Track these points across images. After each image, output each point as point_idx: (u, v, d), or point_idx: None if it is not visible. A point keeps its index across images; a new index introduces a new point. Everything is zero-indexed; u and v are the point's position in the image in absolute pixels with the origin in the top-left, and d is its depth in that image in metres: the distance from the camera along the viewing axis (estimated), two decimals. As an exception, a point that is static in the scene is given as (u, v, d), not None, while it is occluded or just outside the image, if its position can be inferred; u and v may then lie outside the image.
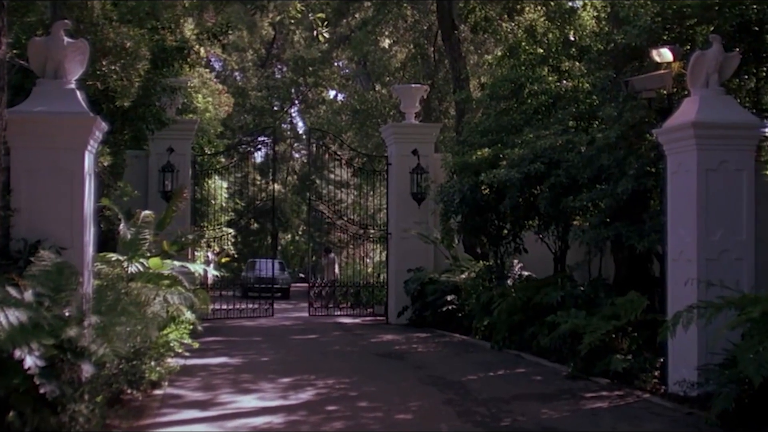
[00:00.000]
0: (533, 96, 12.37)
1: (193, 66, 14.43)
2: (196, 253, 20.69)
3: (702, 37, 8.60)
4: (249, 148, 42.92)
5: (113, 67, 8.23)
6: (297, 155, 37.00)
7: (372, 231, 18.25)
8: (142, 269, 10.08)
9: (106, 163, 10.53)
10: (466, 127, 13.76)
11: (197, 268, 10.73)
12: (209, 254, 24.28)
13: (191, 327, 10.22)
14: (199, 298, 11.06)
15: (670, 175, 8.31)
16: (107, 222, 11.82)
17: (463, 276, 15.05)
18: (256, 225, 49.61)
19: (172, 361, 9.96)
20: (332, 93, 35.10)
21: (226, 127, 36.72)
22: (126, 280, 8.89)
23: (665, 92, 8.58)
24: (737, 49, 8.41)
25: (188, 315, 9.47)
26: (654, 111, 8.75)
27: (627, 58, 9.51)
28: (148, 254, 10.26)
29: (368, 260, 20.95)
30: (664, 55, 8.33)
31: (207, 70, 22.07)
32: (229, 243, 40.39)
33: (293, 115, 43.37)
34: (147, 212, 10.56)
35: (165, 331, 9.77)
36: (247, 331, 15.14)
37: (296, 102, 41.25)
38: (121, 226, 10.36)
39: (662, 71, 8.42)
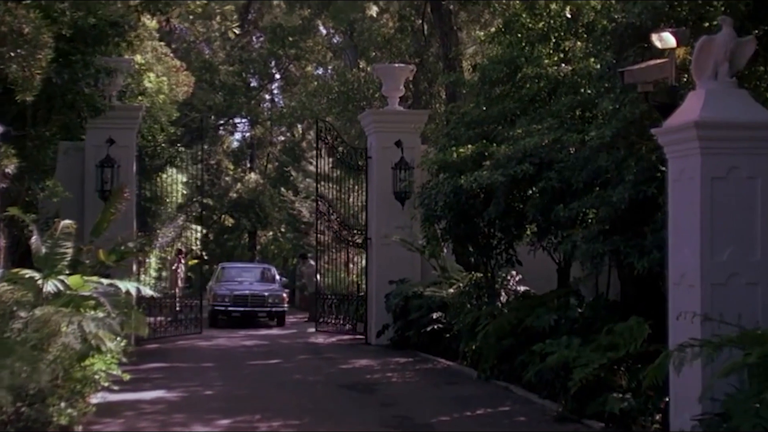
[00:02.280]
0: (530, 81, 12.20)
1: (131, 43, 14.29)
2: (149, 261, 20.66)
3: (715, 17, 8.43)
4: (220, 133, 42.66)
5: (10, 55, 8.04)
6: (281, 139, 36.83)
7: (353, 235, 18.10)
8: (61, 288, 9.98)
9: (10, 167, 10.38)
10: (451, 117, 13.61)
11: (128, 286, 10.60)
12: (173, 257, 24.03)
13: (119, 355, 10.12)
14: (133, 320, 10.95)
15: (671, 183, 8.13)
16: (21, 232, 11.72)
17: (453, 290, 14.94)
18: (230, 221, 50.25)
19: (96, 397, 9.87)
20: (317, 69, 34.99)
21: (192, 109, 36.66)
22: (32, 305, 8.75)
23: (670, 82, 8.40)
24: (756, 32, 8.24)
25: (110, 345, 9.34)
26: (654, 107, 8.58)
27: (629, 41, 9.34)
28: (68, 271, 10.15)
29: (352, 266, 20.88)
30: (666, 39, 8.15)
31: (162, 43, 21.87)
32: (197, 242, 40.49)
33: (274, 92, 43.33)
34: (67, 222, 10.42)
35: (87, 362, 9.67)
36: (199, 355, 15.06)
37: (276, 78, 41.18)
38: (33, 238, 10.23)
39: (661, 60, 8.25)
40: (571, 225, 10.04)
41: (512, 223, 11.42)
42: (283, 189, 31.02)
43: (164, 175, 21.90)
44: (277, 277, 23.86)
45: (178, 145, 21.65)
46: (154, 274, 22.79)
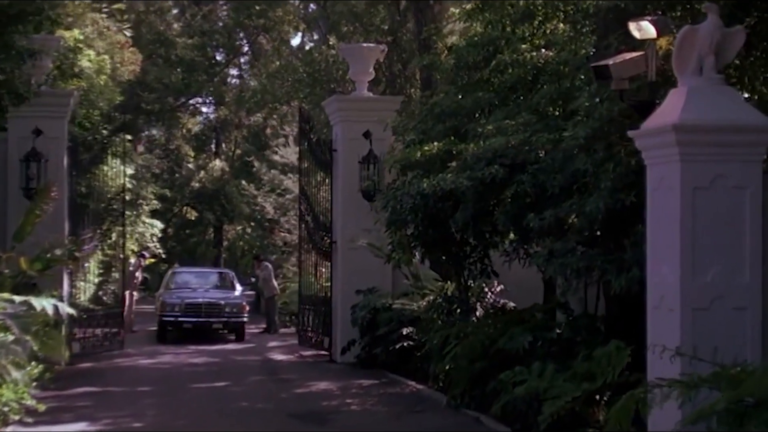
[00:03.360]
0: (509, 67, 12.15)
1: (55, 21, 14.15)
2: (87, 265, 20.53)
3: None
4: (178, 115, 42.38)
5: None
6: (252, 120, 36.57)
7: (322, 237, 18.06)
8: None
9: None
10: (420, 108, 13.57)
11: (44, 303, 10.52)
12: (135, 260, 23.73)
13: (30, 384, 10.05)
14: (49, 342, 10.89)
15: (650, 192, 8.11)
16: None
17: (426, 301, 14.92)
18: (193, 214, 50.16)
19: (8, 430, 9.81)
20: (290, 41, 34.80)
21: (144, 89, 36.49)
22: None
23: (649, 78, 8.34)
24: (748, 21, 8.19)
25: (16, 375, 9.28)
26: (631, 106, 8.54)
27: (612, 26, 9.29)
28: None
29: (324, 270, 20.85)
30: (645, 29, 8.09)
31: (103, 15, 21.71)
32: (154, 240, 40.34)
33: (243, 68, 43.03)
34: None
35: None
36: (137, 376, 15.00)
37: (245, 51, 40.95)
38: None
39: (636, 54, 8.18)
40: (547, 234, 9.99)
41: (486, 230, 11.37)
42: (244, 182, 30.92)
43: (105, 168, 21.79)
44: (237, 284, 23.34)
45: (122, 133, 21.57)
46: (97, 279, 22.71)
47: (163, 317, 20.91)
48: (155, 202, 37.42)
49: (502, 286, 14.23)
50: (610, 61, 8.15)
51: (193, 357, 17.60)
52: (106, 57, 21.15)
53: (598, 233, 9.34)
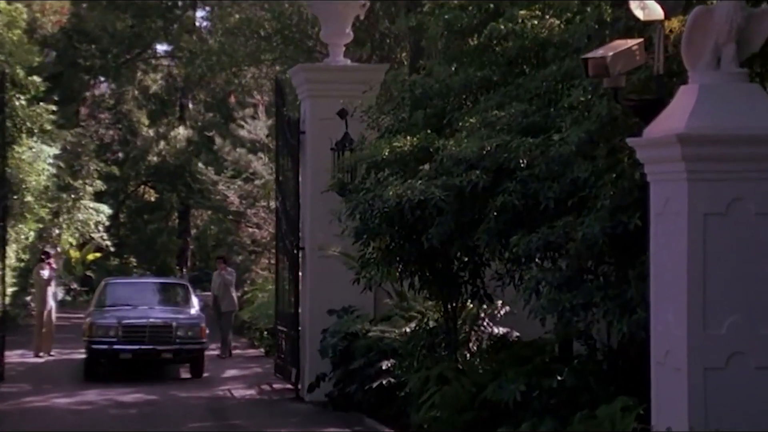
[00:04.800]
0: (506, 38, 12.14)
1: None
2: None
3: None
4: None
5: None
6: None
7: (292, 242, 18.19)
8: None
9: None
10: (397, 87, 13.58)
11: None
12: (45, 270, 23.20)
13: None
14: None
15: (653, 217, 8.11)
16: None
17: (412, 327, 14.97)
18: (152, 195, 50.29)
19: None
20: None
21: (84, 39, 36.54)
22: None
23: (655, 70, 8.33)
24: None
25: None
26: (630, 108, 8.54)
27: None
28: None
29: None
30: (651, 8, 8.06)
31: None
32: (100, 229, 40.60)
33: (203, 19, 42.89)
34: None
35: None
36: (42, 424, 14.97)
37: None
38: None
39: (632, 42, 8.14)
40: (538, 258, 10.05)
41: (472, 246, 11.40)
42: (201, 165, 31.06)
43: (21, 149, 21.95)
44: (195, 297, 21.92)
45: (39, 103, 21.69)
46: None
47: (93, 345, 19.45)
48: (99, 182, 37.71)
49: (507, 308, 14.27)
50: (600, 51, 8.14)
51: (124, 394, 17.66)
52: (20, 5, 21.18)
53: (595, 263, 9.33)
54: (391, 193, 10.98)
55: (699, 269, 7.70)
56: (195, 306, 21.37)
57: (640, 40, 8.35)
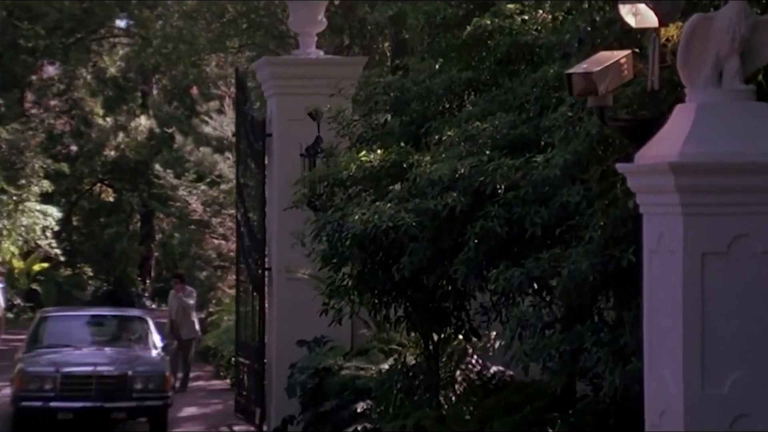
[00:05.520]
0: (493, 35, 12.21)
1: None
2: None
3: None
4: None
5: None
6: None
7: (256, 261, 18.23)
8: None
9: None
10: (367, 88, 13.64)
11: None
12: None
13: None
14: None
15: (647, 254, 8.10)
16: None
17: (391, 362, 15.03)
18: (110, 195, 50.25)
19: None
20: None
21: (25, 17, 36.46)
22: None
23: (649, 85, 8.36)
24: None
25: None
26: (619, 130, 8.58)
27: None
28: None
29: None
30: (643, 14, 8.09)
31: None
32: (47, 235, 40.60)
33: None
34: None
35: None
36: None
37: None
38: None
39: (619, 55, 8.17)
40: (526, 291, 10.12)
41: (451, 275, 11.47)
42: (158, 166, 31.10)
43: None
44: (155, 334, 20.33)
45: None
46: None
47: (23, 401, 18.00)
48: (46, 182, 37.71)
49: (502, 342, 14.32)
50: (584, 65, 8.16)
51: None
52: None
53: (585, 303, 9.40)
54: (356, 217, 11.02)
55: (697, 317, 7.68)
56: (157, 346, 19.86)
57: (628, 52, 8.38)
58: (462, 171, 10.22)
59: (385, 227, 10.77)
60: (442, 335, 13.35)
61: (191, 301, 23.59)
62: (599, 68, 8.14)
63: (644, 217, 8.19)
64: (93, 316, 22.43)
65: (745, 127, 7.74)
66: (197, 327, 23.82)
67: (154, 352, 19.53)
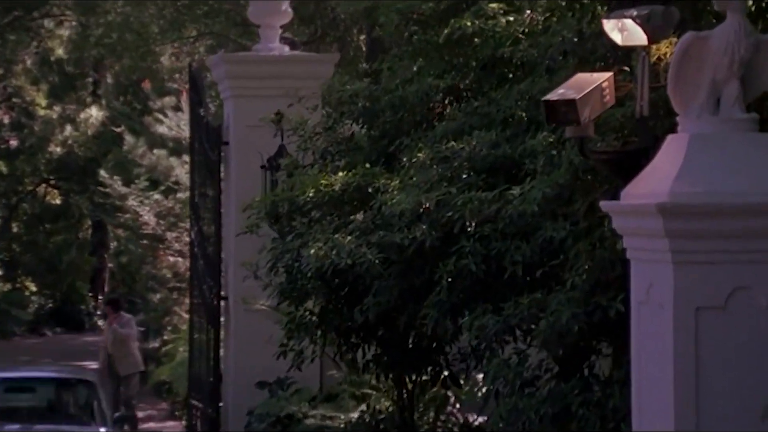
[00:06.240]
0: (473, 37, 12.30)
1: None
2: None
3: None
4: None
5: None
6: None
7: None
8: None
9: None
10: (332, 98, 13.72)
11: None
12: None
13: None
14: None
15: (635, 305, 8.21)
16: None
17: (362, 409, 15.09)
18: (56, 198, 50.25)
19: None
20: None
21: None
22: None
23: (638, 111, 8.47)
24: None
25: None
26: (602, 163, 8.68)
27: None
28: None
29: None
30: (631, 31, 8.18)
31: None
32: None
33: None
34: None
35: None
36: None
37: None
38: None
39: (600, 79, 8.25)
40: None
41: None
42: (103, 172, 31.09)
43: None
44: (104, 406, 18.23)
45: None
46: None
47: None
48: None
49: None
50: (561, 90, 8.25)
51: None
52: None
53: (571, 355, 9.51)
54: (312, 252, 11.10)
55: (689, 382, 7.76)
56: (106, 421, 17.78)
57: (610, 75, 8.48)
58: (427, 205, 10.31)
59: (344, 265, 10.84)
60: (418, 381, 13.39)
61: (129, 331, 23.44)
62: (580, 95, 8.23)
63: (632, 263, 8.28)
64: (21, 380, 19.57)
65: (745, 162, 7.84)
66: (139, 359, 23.62)
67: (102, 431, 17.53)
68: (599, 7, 10.39)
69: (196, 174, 19.21)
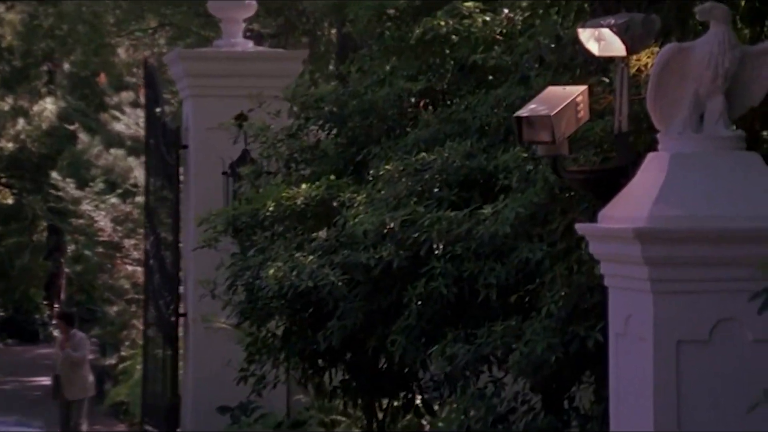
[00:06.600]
0: (447, 38, 12.35)
1: None
2: None
3: None
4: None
5: None
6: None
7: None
8: None
9: None
10: (299, 101, 13.74)
11: None
12: None
13: None
14: None
15: (613, 338, 8.25)
16: None
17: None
18: (9, 198, 50.13)
19: None
20: None
21: None
22: None
23: (616, 127, 8.53)
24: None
25: None
26: (577, 183, 8.73)
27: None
28: None
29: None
30: (608, 41, 8.22)
31: None
32: None
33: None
34: None
35: None
36: None
37: None
38: None
39: (575, 93, 8.30)
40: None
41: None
42: (55, 174, 31.05)
43: None
44: None
45: None
46: None
47: None
48: None
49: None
50: (533, 105, 8.29)
51: None
52: None
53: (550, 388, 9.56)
54: (271, 272, 11.13)
55: (670, 419, 7.80)
56: None
57: (584, 88, 8.52)
58: (392, 225, 10.35)
59: (305, 287, 10.87)
60: (390, 408, 13.43)
61: (83, 354, 23.14)
62: (554, 111, 8.26)
63: (610, 291, 8.31)
64: None
65: (730, 183, 7.86)
66: (90, 383, 23.23)
67: None
68: (585, 6, 10.44)
69: (152, 178, 19.20)
